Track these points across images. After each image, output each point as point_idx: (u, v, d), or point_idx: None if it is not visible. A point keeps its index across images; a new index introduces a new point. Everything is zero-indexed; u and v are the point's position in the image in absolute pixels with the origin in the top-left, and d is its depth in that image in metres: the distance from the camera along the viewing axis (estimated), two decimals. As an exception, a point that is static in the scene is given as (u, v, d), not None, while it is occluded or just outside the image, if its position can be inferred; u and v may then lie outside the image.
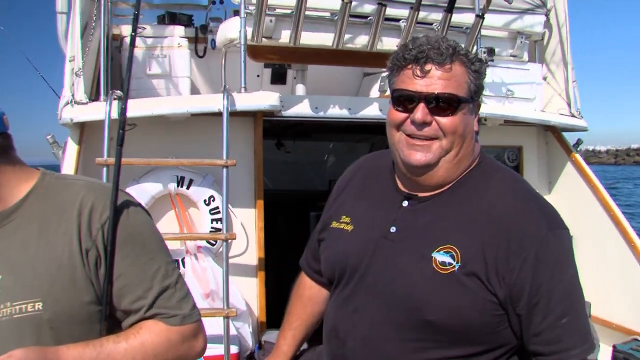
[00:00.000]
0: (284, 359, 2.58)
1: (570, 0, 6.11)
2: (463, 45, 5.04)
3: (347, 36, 4.72)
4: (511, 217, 2.02)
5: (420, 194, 2.18)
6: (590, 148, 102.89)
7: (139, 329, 1.89)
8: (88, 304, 1.83)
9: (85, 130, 4.75)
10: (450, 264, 1.99)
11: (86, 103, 4.65)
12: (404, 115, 2.09)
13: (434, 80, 2.03)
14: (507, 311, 2.00)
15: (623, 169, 78.19)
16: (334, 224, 2.35)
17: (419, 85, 2.04)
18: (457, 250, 2.00)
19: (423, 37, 2.12)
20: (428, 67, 2.04)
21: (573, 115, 6.07)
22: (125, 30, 5.93)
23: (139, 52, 5.73)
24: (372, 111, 5.13)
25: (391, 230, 2.16)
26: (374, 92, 6.43)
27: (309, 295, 2.62)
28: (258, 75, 6.38)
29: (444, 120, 2.06)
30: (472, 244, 2.00)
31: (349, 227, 2.29)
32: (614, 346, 4.79)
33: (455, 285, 1.98)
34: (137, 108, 4.56)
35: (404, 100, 2.09)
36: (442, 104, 2.05)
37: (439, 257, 2.01)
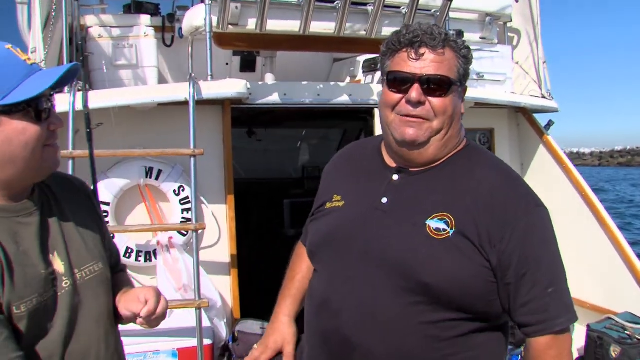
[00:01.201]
0: (291, 309, 2.58)
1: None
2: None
3: (314, 22, 4.67)
4: (500, 192, 2.13)
5: (411, 169, 2.26)
6: (575, 150, 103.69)
7: None
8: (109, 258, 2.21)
9: None
10: (444, 230, 2.07)
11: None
12: (398, 96, 2.17)
13: (427, 63, 2.13)
14: (497, 280, 2.07)
15: (603, 170, 79.40)
16: (327, 205, 2.40)
17: (414, 67, 2.14)
18: (451, 217, 2.08)
19: (416, 24, 2.22)
20: (422, 50, 2.14)
21: (544, 97, 6.09)
22: (90, 20, 5.82)
23: (105, 42, 5.65)
24: (342, 97, 5.11)
25: (382, 202, 2.22)
26: (345, 77, 6.40)
27: (308, 266, 2.57)
28: (227, 64, 6.32)
29: (436, 101, 2.14)
30: (465, 213, 2.08)
31: (341, 203, 2.35)
32: (588, 325, 4.82)
33: (450, 250, 2.05)
34: (103, 99, 4.49)
35: (399, 81, 2.17)
36: (435, 86, 2.14)
37: (433, 224, 2.09)
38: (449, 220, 2.07)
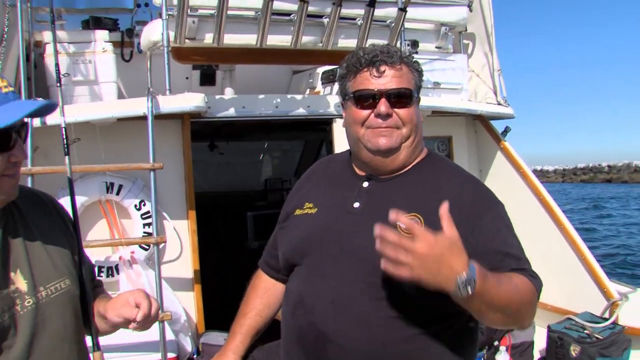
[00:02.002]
0: (239, 347, 2.62)
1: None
2: (387, 39, 5.11)
3: (270, 35, 4.72)
4: (462, 194, 2.29)
5: (380, 176, 2.41)
6: (539, 168, 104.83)
7: None
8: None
9: None
10: None
11: None
12: (367, 111, 2.35)
13: (389, 78, 2.33)
14: None
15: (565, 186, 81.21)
16: (297, 212, 2.51)
17: (378, 84, 2.33)
18: (421, 217, 2.19)
19: (371, 45, 2.43)
20: (383, 68, 2.33)
21: (499, 104, 6.19)
22: (48, 36, 5.79)
23: (62, 58, 5.62)
24: (301, 108, 5.15)
25: (354, 206, 2.36)
26: (304, 89, 6.45)
27: (264, 287, 2.70)
28: (187, 78, 6.34)
29: (402, 112, 2.33)
30: (432, 213, 2.14)
31: (313, 210, 2.46)
32: (548, 326, 4.90)
33: None
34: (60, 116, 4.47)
35: (366, 98, 2.35)
36: (400, 98, 2.33)
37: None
38: (418, 220, 2.16)
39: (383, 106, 2.30)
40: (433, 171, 2.42)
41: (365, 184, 2.40)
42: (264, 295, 2.67)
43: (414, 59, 2.45)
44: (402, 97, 2.33)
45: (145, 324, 2.09)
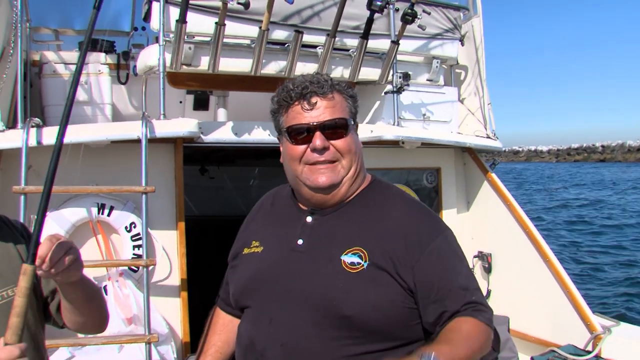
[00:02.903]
0: None
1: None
2: (379, 70, 5.20)
3: (265, 63, 4.81)
4: (409, 221, 2.27)
5: (324, 209, 2.36)
6: (533, 148, 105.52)
7: None
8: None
9: (2, 158, 4.68)
10: (359, 263, 2.17)
11: (3, 130, 4.58)
12: (303, 147, 2.28)
13: (321, 110, 2.26)
14: (417, 303, 2.17)
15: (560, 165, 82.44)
16: (245, 251, 2.48)
17: (310, 117, 2.26)
18: (364, 251, 2.18)
19: (299, 77, 2.36)
20: (314, 100, 2.26)
21: (488, 137, 6.27)
22: (45, 56, 5.87)
23: (59, 79, 5.69)
24: None
25: (298, 243, 2.31)
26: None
27: (222, 324, 2.67)
28: (181, 102, 6.40)
29: (339, 143, 2.28)
30: (376, 245, 2.19)
31: (259, 249, 2.42)
32: (532, 358, 4.94)
33: (366, 282, 2.14)
34: (55, 135, 4.51)
35: (299, 132, 2.28)
36: (335, 129, 2.27)
37: (347, 258, 2.19)
38: (362, 254, 2.18)
39: (318, 140, 2.24)
40: (378, 198, 2.37)
41: (309, 219, 2.36)
42: (222, 332, 2.65)
43: (347, 85, 2.39)
44: (338, 128, 2.27)
45: (49, 269, 1.96)
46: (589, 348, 5.14)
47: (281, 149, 2.43)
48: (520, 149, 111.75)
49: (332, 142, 2.27)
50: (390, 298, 2.14)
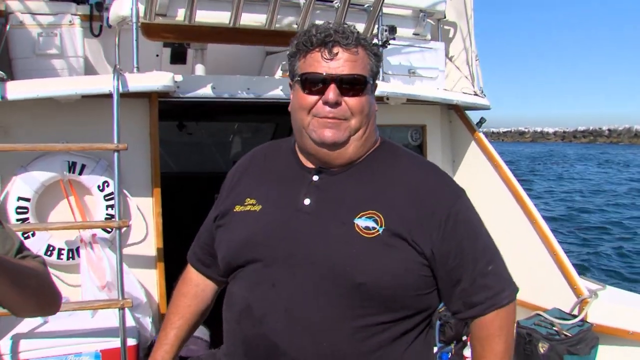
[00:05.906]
0: (165, 358, 2.48)
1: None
2: (364, 24, 5.01)
3: (245, 14, 4.58)
4: (423, 185, 2.16)
5: (331, 169, 2.22)
6: (539, 130, 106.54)
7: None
8: None
9: None
10: (374, 228, 2.06)
11: None
12: (315, 97, 2.14)
13: (341, 62, 2.11)
14: (435, 271, 2.10)
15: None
16: (238, 208, 2.29)
17: (329, 67, 2.11)
18: (380, 215, 2.07)
19: (325, 23, 2.20)
20: (336, 49, 2.11)
21: (476, 94, 6.13)
22: (12, 6, 5.58)
23: (28, 30, 5.42)
24: (273, 91, 5.03)
25: (305, 203, 2.17)
26: (278, 71, 6.32)
27: (194, 293, 2.54)
28: (157, 55, 6.16)
29: (352, 101, 2.13)
30: (392, 209, 2.08)
31: (257, 207, 2.25)
32: (517, 322, 4.86)
33: (381, 247, 2.04)
34: (22, 90, 4.31)
35: (313, 82, 2.14)
36: (351, 85, 2.12)
37: (362, 222, 2.07)
38: (377, 219, 2.06)
39: (332, 93, 2.10)
40: (389, 161, 2.25)
41: (315, 178, 2.22)
42: (193, 302, 2.53)
43: (372, 42, 2.25)
44: (355, 84, 2.12)
45: None
46: (575, 312, 5.11)
47: (291, 96, 2.27)
48: (527, 130, 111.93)
49: (346, 98, 2.13)
50: (406, 266, 2.06)
